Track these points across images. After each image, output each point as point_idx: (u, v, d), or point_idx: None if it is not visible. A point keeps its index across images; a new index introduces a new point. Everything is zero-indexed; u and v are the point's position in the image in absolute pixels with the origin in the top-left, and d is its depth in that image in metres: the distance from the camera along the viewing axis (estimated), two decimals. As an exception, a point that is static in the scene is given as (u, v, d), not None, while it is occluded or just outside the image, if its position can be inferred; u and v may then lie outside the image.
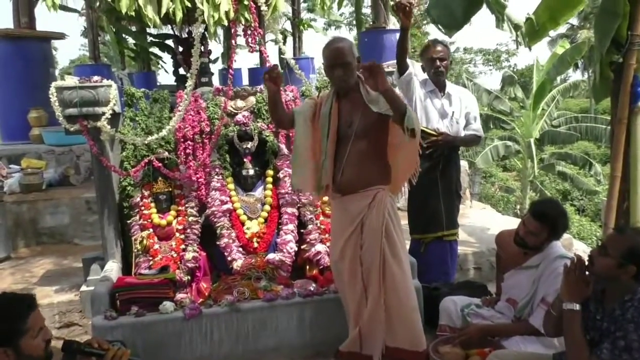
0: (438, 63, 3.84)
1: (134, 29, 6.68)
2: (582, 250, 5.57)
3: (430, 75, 3.91)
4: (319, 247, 3.70)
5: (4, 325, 1.86)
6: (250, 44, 3.86)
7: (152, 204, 3.75)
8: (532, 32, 4.32)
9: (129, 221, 3.74)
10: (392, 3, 4.13)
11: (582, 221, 14.24)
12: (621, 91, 3.60)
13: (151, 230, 3.69)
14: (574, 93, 15.15)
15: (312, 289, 3.44)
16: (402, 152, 2.94)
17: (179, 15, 3.83)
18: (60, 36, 8.22)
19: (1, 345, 1.85)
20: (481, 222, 5.75)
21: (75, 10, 7.58)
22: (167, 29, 6.73)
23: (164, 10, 3.70)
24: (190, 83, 3.67)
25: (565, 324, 2.30)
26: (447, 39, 4.15)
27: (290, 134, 3.97)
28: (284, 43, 8.76)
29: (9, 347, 1.85)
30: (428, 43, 4.05)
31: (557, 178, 16.02)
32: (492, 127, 14.46)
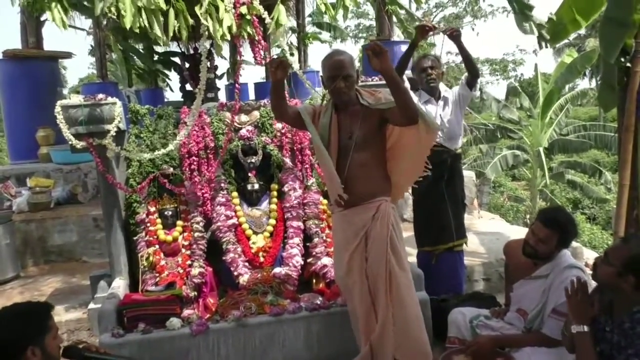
0: (430, 71, 3.90)
1: (140, 47, 6.74)
2: (593, 259, 5.49)
3: (424, 86, 3.94)
4: (325, 260, 3.68)
5: (30, 324, 1.94)
6: (257, 58, 3.87)
7: (158, 220, 3.76)
8: (554, 32, 4.34)
9: (135, 238, 3.74)
10: (416, 23, 4.21)
11: (593, 229, 14.10)
12: (627, 99, 3.57)
13: (157, 246, 3.69)
14: (582, 101, 15.09)
15: (319, 302, 3.40)
16: (407, 156, 2.94)
17: (185, 33, 3.86)
18: (68, 55, 8.32)
19: (28, 344, 1.90)
20: (490, 232, 5.71)
21: (82, 29, 7.69)
22: (173, 46, 6.80)
23: (171, 30, 3.73)
24: (198, 99, 3.68)
25: (577, 345, 2.28)
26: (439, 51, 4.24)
27: (294, 147, 3.98)
28: (292, 55, 8.79)
29: (36, 345, 1.91)
30: (418, 57, 4.11)
31: (566, 187, 15.91)
32: (499, 136, 14.40)
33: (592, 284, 2.53)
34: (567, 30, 4.47)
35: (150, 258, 3.63)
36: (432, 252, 4.03)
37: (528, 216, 14.87)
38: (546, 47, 4.65)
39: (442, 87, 4.04)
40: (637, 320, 2.15)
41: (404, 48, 6.61)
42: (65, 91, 9.02)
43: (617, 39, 3.58)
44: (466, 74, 3.96)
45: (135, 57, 7.15)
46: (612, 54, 3.59)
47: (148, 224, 3.73)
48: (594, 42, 25.03)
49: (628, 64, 3.60)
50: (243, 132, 3.92)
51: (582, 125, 14.62)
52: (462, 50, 3.73)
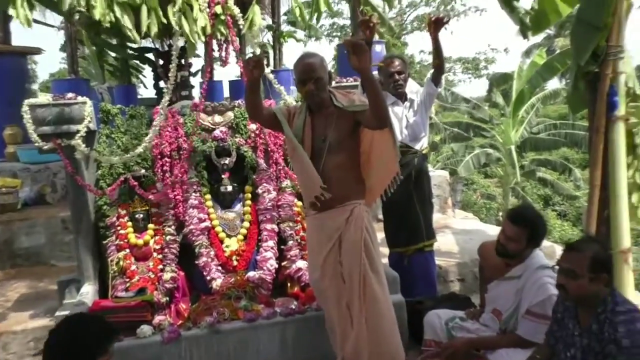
0: (397, 77, 3.89)
1: (114, 42, 6.59)
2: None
3: (390, 89, 3.92)
4: (300, 263, 3.65)
5: (104, 339, 2.01)
6: (223, 59, 3.82)
7: (129, 224, 3.68)
8: (536, 22, 4.37)
9: (105, 242, 3.65)
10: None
11: (564, 226, 14.38)
12: (598, 101, 3.61)
13: (128, 250, 3.61)
14: (554, 100, 15.36)
15: (293, 307, 3.37)
16: (379, 160, 2.91)
17: (154, 29, 3.77)
18: (37, 51, 8.10)
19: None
20: (464, 231, 5.74)
21: (51, 26, 7.48)
22: (147, 42, 6.67)
23: (144, 26, 3.64)
24: (166, 98, 3.61)
25: None
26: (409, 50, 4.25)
27: (269, 148, 3.93)
28: (266, 54, 8.70)
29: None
30: (385, 59, 4.08)
31: (537, 184, 16.19)
32: (472, 135, 14.57)
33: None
34: (549, 20, 4.49)
35: (121, 262, 3.55)
36: (404, 253, 4.04)
37: (500, 214, 15.09)
38: (528, 39, 4.68)
39: (410, 87, 4.03)
40: (603, 320, 2.19)
41: (378, 48, 6.62)
42: (35, 86, 8.79)
43: (588, 42, 3.60)
44: (432, 70, 3.95)
45: (108, 53, 7.00)
46: (583, 56, 3.62)
47: (118, 227, 3.65)
48: (563, 41, 25.51)
49: (596, 69, 3.64)
50: (217, 133, 3.86)
51: (553, 124, 14.88)
52: (437, 44, 3.70)
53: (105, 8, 3.35)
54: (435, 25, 3.63)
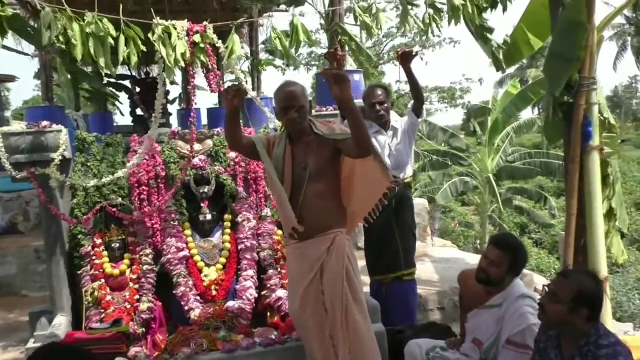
0: (378, 107, 3.93)
1: (89, 69, 6.55)
2: (542, 283, 5.62)
3: (373, 119, 3.96)
4: (280, 292, 3.60)
5: None
6: (211, 85, 3.82)
7: (104, 253, 3.60)
8: (508, 55, 4.45)
9: (79, 271, 3.56)
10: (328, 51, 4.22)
11: (540, 254, 14.51)
12: (572, 131, 3.69)
13: (103, 280, 3.52)
14: (528, 130, 15.67)
15: (273, 337, 3.32)
16: (361, 186, 2.91)
17: (134, 59, 3.76)
18: (11, 79, 8.04)
19: None
20: (443, 260, 5.77)
21: (24, 53, 7.43)
22: (123, 69, 6.64)
23: (121, 56, 3.62)
24: (154, 127, 3.57)
25: None
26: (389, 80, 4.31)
27: (248, 177, 3.91)
28: (246, 83, 8.73)
29: None
30: (367, 89, 4.14)
31: (514, 212, 16.38)
32: (450, 163, 14.74)
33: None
34: (521, 53, 4.61)
35: (95, 293, 3.46)
36: (382, 280, 4.03)
37: (478, 241, 15.19)
38: (502, 71, 4.76)
39: (392, 116, 4.08)
40: (586, 353, 2.18)
41: (356, 77, 6.69)
42: (7, 114, 8.66)
43: (562, 73, 3.69)
44: (412, 102, 4.01)
45: (83, 80, 6.95)
46: (557, 88, 3.70)
47: (93, 257, 3.57)
48: (535, 72, 26.20)
49: (570, 100, 3.73)
50: (195, 160, 3.82)
51: (528, 153, 15.15)
52: (411, 76, 3.76)
53: (83, 44, 3.32)
54: (402, 58, 3.69)
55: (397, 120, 4.07)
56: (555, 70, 3.79)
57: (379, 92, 3.98)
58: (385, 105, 3.97)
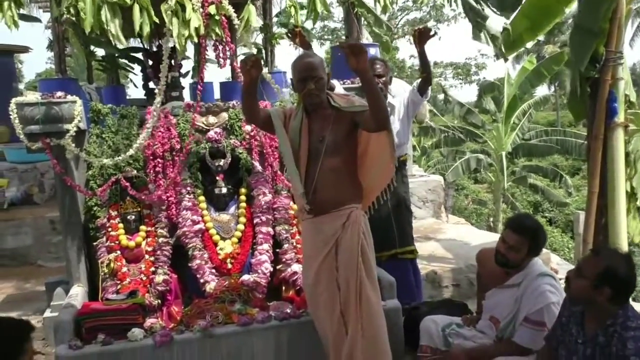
0: (377, 80, 3.78)
1: (102, 39, 6.50)
2: (557, 262, 5.58)
3: None
4: (295, 267, 3.58)
5: (6, 343, 1.95)
6: (221, 59, 3.75)
7: (120, 225, 3.58)
8: (509, 42, 4.33)
9: (95, 243, 3.56)
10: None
11: (553, 232, 14.45)
12: (597, 107, 3.60)
13: (119, 252, 3.52)
14: (542, 107, 15.46)
15: (288, 311, 3.31)
16: (375, 163, 2.88)
17: (146, 29, 3.69)
18: (24, 50, 8.00)
19: None
20: (458, 237, 5.72)
21: (39, 20, 7.37)
22: (136, 42, 6.58)
23: (136, 25, 3.56)
24: (158, 100, 3.53)
25: None
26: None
27: (264, 150, 3.86)
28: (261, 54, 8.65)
29: None
30: (368, 60, 4.04)
31: (528, 190, 16.25)
32: (466, 139, 14.61)
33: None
34: (522, 40, 4.47)
35: (111, 264, 3.46)
36: (378, 258, 3.95)
37: (491, 219, 15.12)
38: (504, 59, 4.65)
39: (396, 88, 3.97)
40: (612, 334, 2.15)
41: (372, 50, 6.58)
42: (21, 86, 8.67)
43: (587, 47, 3.60)
44: (419, 80, 3.90)
45: (96, 51, 6.91)
46: (583, 62, 3.60)
47: (109, 229, 3.56)
48: (552, 48, 25.70)
49: (596, 75, 3.62)
50: (211, 134, 3.78)
51: (544, 131, 14.95)
52: (423, 57, 3.67)
53: (94, 15, 3.26)
54: (420, 37, 3.59)
55: (394, 96, 3.97)
56: (580, 43, 3.69)
57: (378, 64, 3.88)
58: (384, 79, 3.85)
